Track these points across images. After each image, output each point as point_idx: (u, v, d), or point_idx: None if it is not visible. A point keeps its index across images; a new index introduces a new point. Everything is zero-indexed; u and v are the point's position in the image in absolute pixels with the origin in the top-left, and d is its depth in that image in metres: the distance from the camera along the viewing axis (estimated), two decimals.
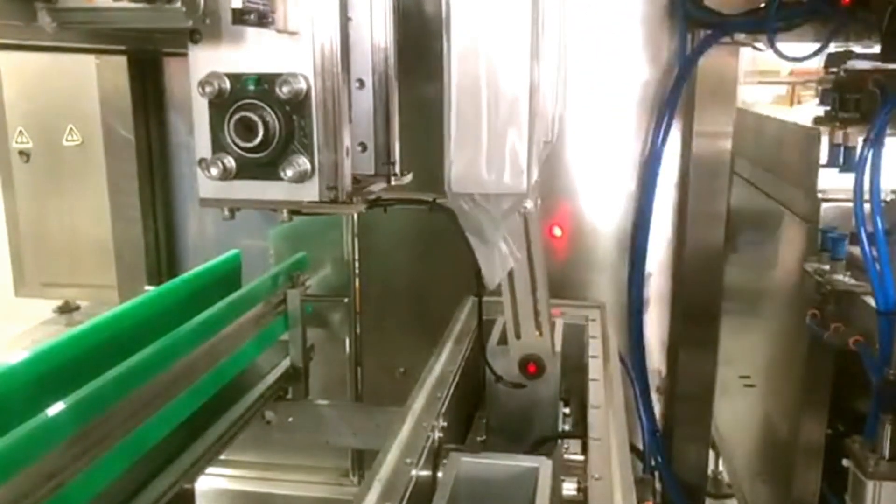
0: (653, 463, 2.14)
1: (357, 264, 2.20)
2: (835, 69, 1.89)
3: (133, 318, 1.51)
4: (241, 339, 1.73)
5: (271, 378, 1.90)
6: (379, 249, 2.19)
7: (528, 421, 1.46)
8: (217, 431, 1.61)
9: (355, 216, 2.13)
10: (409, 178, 1.37)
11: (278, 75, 1.06)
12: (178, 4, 0.98)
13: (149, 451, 1.40)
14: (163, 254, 2.37)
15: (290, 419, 1.89)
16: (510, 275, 1.40)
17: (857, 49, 1.89)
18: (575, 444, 1.40)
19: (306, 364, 1.97)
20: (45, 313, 2.59)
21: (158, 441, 1.42)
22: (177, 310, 1.61)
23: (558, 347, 1.48)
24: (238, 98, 1.07)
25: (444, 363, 1.52)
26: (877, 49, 1.70)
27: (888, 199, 1.59)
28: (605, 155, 2.04)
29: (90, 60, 2.28)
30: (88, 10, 1.03)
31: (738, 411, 2.34)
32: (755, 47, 2.01)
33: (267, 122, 1.07)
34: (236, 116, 1.07)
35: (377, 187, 1.30)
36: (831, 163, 1.69)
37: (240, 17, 1.04)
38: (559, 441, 1.40)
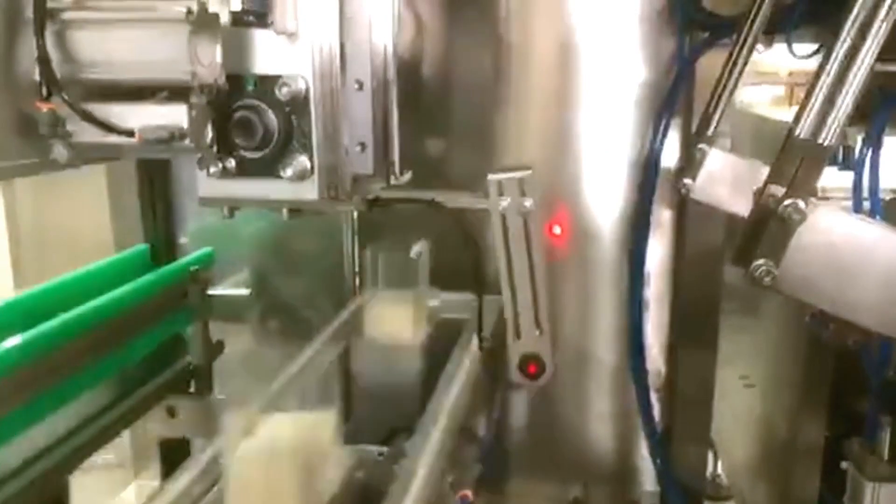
0: (652, 464, 2.15)
1: (357, 264, 2.20)
2: None
3: (25, 308, 1.52)
4: (132, 330, 1.73)
5: (170, 373, 1.91)
6: (377, 248, 2.18)
7: (391, 414, 1.44)
8: (103, 422, 1.61)
9: (355, 215, 2.13)
10: (408, 176, 1.37)
11: (278, 77, 1.07)
12: (187, 142, 1.05)
13: (25, 436, 1.39)
14: (162, 254, 2.37)
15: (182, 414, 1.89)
16: (510, 274, 1.41)
17: None
18: None
19: (209, 361, 1.96)
20: None
21: (35, 428, 1.42)
22: (76, 302, 1.61)
23: (421, 337, 1.45)
24: (237, 99, 1.07)
25: (311, 357, 1.46)
26: None
27: (887, 198, 1.60)
28: (605, 155, 2.04)
29: None
30: (104, 146, 1.10)
31: (738, 412, 2.34)
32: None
33: (266, 123, 1.07)
34: (236, 117, 1.07)
35: (376, 186, 1.31)
36: (830, 161, 1.69)
37: (239, 18, 1.05)
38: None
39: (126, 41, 1.10)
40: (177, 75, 1.05)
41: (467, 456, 1.22)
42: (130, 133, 1.07)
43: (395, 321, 1.47)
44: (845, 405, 1.80)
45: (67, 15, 1.08)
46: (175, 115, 1.08)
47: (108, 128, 1.08)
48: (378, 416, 1.33)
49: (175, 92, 1.08)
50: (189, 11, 1.01)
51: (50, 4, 1.06)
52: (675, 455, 2.12)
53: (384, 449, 1.20)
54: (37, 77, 1.07)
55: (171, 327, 1.95)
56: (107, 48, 1.10)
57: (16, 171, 1.14)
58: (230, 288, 1.92)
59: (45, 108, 1.06)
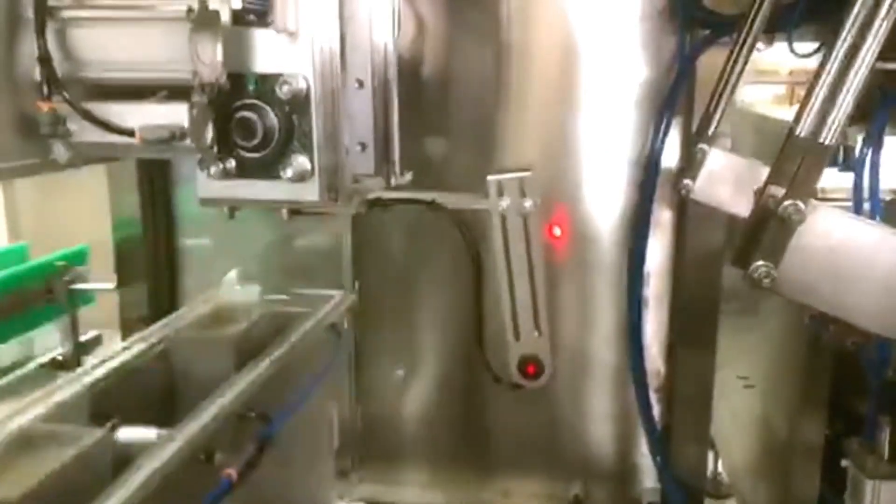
0: (652, 462, 2.15)
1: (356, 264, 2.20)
2: None
3: None
4: None
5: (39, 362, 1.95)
6: (377, 249, 2.19)
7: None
8: None
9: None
10: (408, 177, 1.37)
11: (278, 75, 1.07)
12: (188, 142, 1.05)
13: None
14: (162, 254, 2.37)
15: None
16: (510, 275, 1.41)
17: None
18: None
19: (76, 354, 1.98)
20: None
21: None
22: None
23: (238, 331, 1.48)
24: (238, 98, 1.07)
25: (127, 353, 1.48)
26: None
27: (887, 198, 1.59)
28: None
29: None
30: (104, 145, 1.10)
31: (738, 412, 2.34)
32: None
33: (267, 122, 1.07)
34: (236, 117, 1.07)
35: (377, 187, 1.31)
36: (830, 162, 1.69)
37: (239, 17, 1.05)
38: None
39: (127, 40, 1.10)
40: (177, 74, 1.05)
41: (244, 438, 1.25)
42: (131, 133, 1.07)
43: (213, 317, 1.52)
44: (845, 405, 1.80)
45: (68, 13, 1.08)
46: (175, 114, 1.07)
47: (109, 127, 1.08)
48: (195, 405, 1.37)
49: (175, 91, 1.08)
50: (190, 10, 1.01)
51: (51, 3, 1.06)
52: (674, 454, 2.12)
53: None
54: (37, 77, 1.07)
55: (38, 320, 1.99)
56: (107, 47, 1.10)
57: (16, 171, 1.14)
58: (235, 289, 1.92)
59: (45, 107, 1.06)
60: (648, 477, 2.19)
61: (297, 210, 1.18)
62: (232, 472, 1.14)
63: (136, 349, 1.46)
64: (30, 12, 1.06)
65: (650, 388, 2.12)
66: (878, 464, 1.56)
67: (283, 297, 1.71)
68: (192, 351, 1.47)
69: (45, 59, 1.06)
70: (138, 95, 1.12)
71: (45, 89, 1.06)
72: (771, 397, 2.11)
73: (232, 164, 1.09)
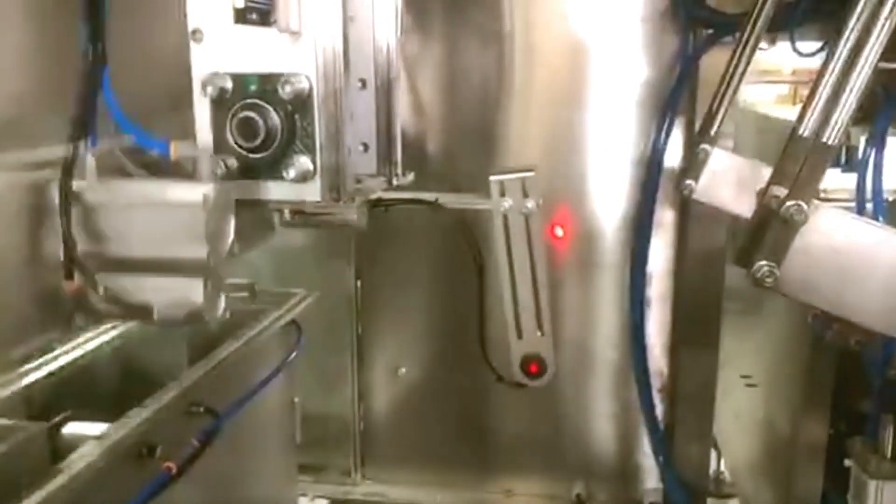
0: (654, 462, 2.15)
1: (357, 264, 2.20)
2: None
3: None
4: None
5: None
6: (380, 249, 2.19)
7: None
8: None
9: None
10: (410, 177, 1.37)
11: (280, 75, 1.07)
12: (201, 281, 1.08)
13: None
14: None
15: None
16: (512, 274, 1.41)
17: None
18: None
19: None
20: None
21: None
22: None
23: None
24: (240, 98, 1.07)
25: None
26: None
27: (890, 198, 1.59)
28: (607, 155, 2.04)
29: None
30: (122, 314, 1.15)
31: (742, 411, 2.34)
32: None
33: (269, 122, 1.07)
34: (238, 117, 1.07)
35: (379, 187, 1.31)
36: (833, 162, 1.69)
37: (242, 16, 1.05)
38: None
39: (146, 223, 1.12)
40: (194, 254, 1.07)
41: (189, 432, 1.26)
42: (149, 313, 1.10)
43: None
44: (848, 404, 1.79)
45: (91, 197, 1.10)
46: (190, 289, 1.10)
47: (129, 308, 1.12)
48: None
49: (191, 267, 1.10)
50: (206, 198, 1.04)
51: (75, 188, 1.08)
52: (677, 453, 2.12)
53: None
54: (60, 256, 1.10)
55: None
56: (128, 229, 1.13)
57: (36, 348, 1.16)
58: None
59: (71, 289, 1.09)
60: (651, 476, 2.19)
61: (299, 210, 1.18)
62: (171, 465, 1.15)
63: (90, 345, 1.46)
64: (55, 197, 1.09)
65: (653, 388, 2.12)
66: (882, 463, 1.56)
67: (245, 294, 1.73)
68: (146, 346, 1.48)
69: (68, 242, 1.08)
70: (156, 269, 1.13)
71: (68, 268, 1.09)
72: (774, 396, 2.11)
73: (234, 164, 1.09)
